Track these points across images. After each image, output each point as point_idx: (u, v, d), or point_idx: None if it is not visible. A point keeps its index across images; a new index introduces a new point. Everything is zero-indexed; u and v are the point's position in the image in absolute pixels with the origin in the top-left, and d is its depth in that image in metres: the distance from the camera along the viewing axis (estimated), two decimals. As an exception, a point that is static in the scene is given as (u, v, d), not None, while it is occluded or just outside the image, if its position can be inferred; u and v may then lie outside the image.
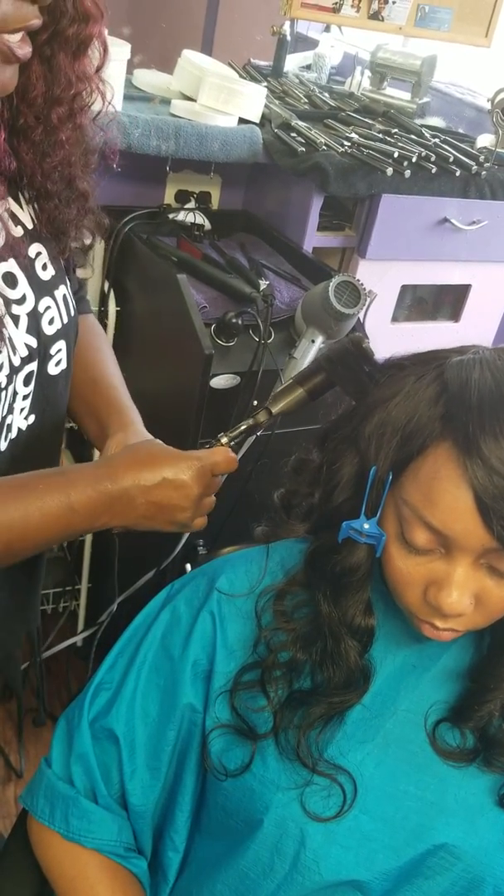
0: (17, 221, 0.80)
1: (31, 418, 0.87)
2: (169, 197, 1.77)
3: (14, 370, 0.78)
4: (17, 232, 0.80)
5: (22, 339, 0.79)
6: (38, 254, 0.82)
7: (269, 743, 0.76)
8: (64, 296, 0.86)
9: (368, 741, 0.76)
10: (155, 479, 0.76)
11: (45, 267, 0.83)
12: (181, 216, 1.73)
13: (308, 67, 2.40)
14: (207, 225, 1.75)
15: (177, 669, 0.81)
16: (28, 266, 0.80)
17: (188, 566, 1.63)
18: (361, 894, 0.74)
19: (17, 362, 0.78)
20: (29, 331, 0.80)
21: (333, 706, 0.75)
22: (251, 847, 0.76)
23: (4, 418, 0.80)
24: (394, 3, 1.88)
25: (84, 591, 1.96)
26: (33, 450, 0.89)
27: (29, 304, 0.80)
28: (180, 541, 1.54)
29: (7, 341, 0.76)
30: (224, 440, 0.83)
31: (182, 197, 1.78)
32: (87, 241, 0.91)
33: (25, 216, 0.81)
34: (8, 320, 0.76)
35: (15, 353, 0.77)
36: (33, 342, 0.81)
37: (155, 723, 0.81)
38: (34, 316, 0.81)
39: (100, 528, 0.78)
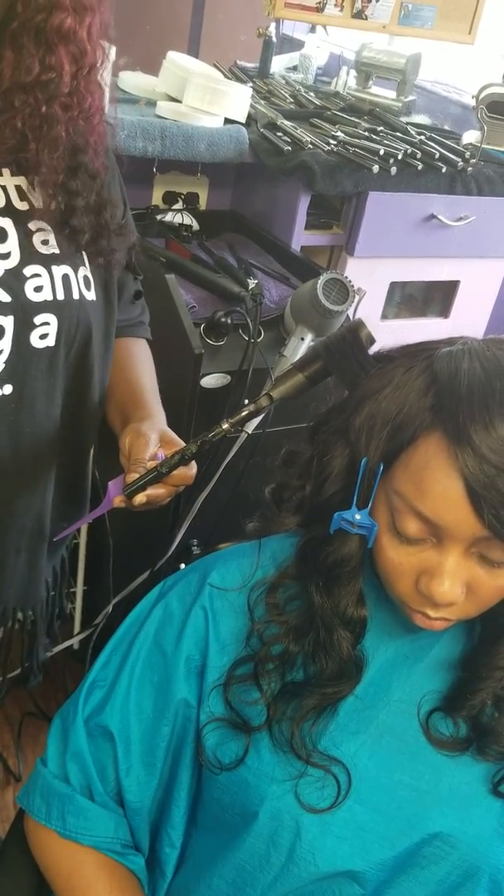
0: (23, 197, 0.85)
1: (7, 388, 0.87)
2: (156, 198, 1.77)
3: None
4: (22, 206, 0.85)
5: None
6: (41, 229, 0.86)
7: (264, 735, 0.76)
8: (65, 276, 0.88)
9: (362, 732, 0.76)
10: None
11: (45, 242, 0.87)
12: (169, 217, 1.73)
13: (294, 68, 2.41)
14: (195, 225, 1.75)
15: (170, 665, 0.81)
16: (25, 233, 0.85)
17: (182, 566, 1.63)
18: (357, 885, 0.75)
19: None
20: (3, 284, 0.83)
21: (326, 697, 0.75)
22: (247, 840, 0.76)
23: None
24: (377, 1, 1.89)
25: (79, 594, 1.95)
26: (10, 426, 0.90)
27: (11, 261, 0.84)
28: (174, 541, 1.55)
29: None
30: (226, 425, 0.84)
31: (170, 198, 1.79)
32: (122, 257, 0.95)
33: (37, 198, 0.85)
34: None
35: None
36: (5, 297, 0.83)
37: (149, 719, 0.81)
38: (15, 275, 0.84)
39: None
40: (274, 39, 2.17)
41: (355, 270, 1.76)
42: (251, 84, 2.00)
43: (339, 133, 1.74)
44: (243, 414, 0.83)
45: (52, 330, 0.88)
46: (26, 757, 1.80)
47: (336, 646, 0.74)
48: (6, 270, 0.83)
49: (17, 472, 0.93)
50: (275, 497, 0.85)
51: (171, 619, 0.83)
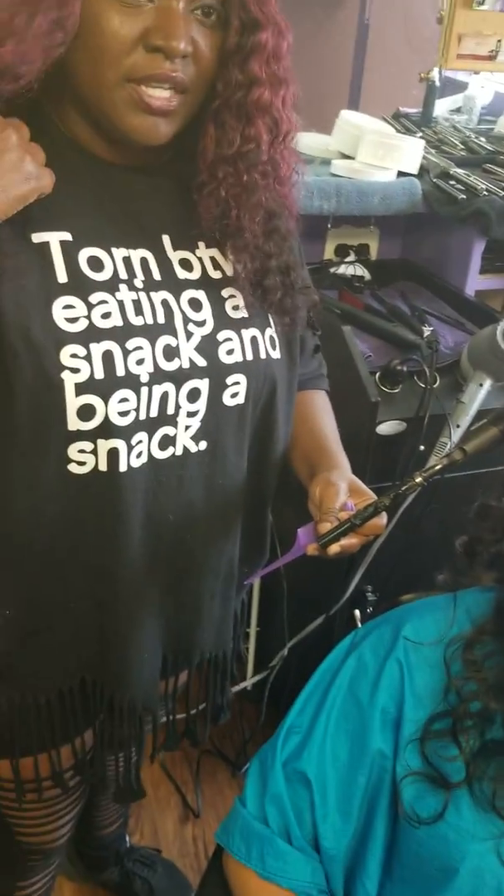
0: (216, 266, 0.92)
1: (203, 444, 0.93)
2: (329, 252, 1.83)
3: (166, 375, 0.87)
4: (216, 275, 0.91)
5: (188, 352, 0.88)
6: (232, 296, 0.92)
7: (463, 792, 0.76)
8: (253, 338, 0.93)
9: None
10: None
11: (236, 308, 0.93)
12: (342, 269, 1.78)
13: (458, 110, 2.42)
14: (367, 276, 1.79)
15: (365, 716, 0.82)
16: (217, 301, 0.91)
17: (356, 612, 1.64)
18: None
19: (169, 367, 0.87)
20: (199, 350, 0.89)
21: (530, 758, 0.74)
22: (446, 895, 0.76)
23: (156, 422, 0.88)
24: (550, 43, 1.87)
25: (253, 635, 2.00)
26: (205, 479, 0.95)
27: (207, 328, 0.90)
28: (349, 587, 1.56)
29: (156, 345, 0.86)
30: (419, 479, 0.85)
31: (341, 250, 1.84)
32: (301, 313, 0.99)
33: (229, 266, 0.92)
34: (182, 334, 0.87)
35: (171, 360, 0.87)
36: (201, 361, 0.89)
37: (345, 767, 0.83)
38: (210, 340, 0.90)
39: None
40: (437, 84, 2.19)
41: (532, 313, 1.73)
42: (420, 133, 2.03)
43: (512, 177, 1.73)
44: (437, 467, 0.84)
45: (242, 389, 0.93)
46: (204, 793, 1.86)
47: (539, 706, 0.73)
48: (202, 337, 0.89)
49: (211, 521, 0.99)
50: (467, 550, 0.86)
51: (366, 671, 0.84)
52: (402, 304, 1.68)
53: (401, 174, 1.68)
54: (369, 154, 1.65)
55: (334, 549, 0.89)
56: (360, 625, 1.62)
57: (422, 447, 1.50)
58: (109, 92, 0.77)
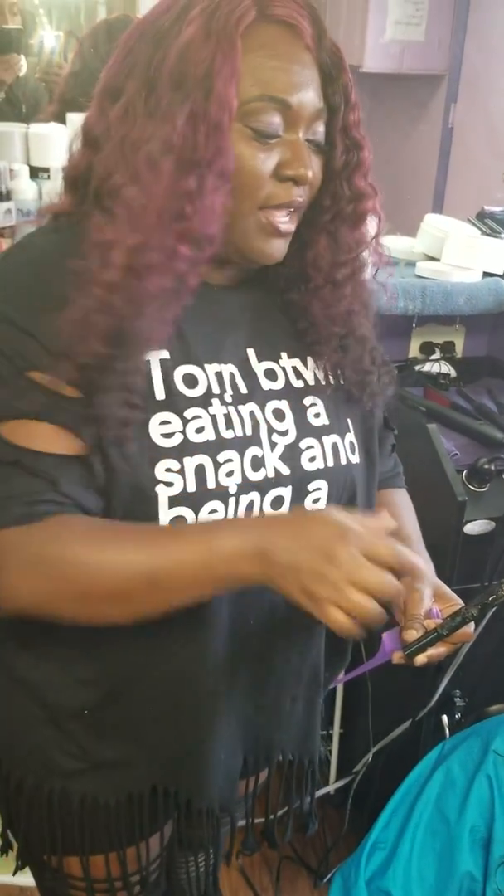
0: (298, 375, 0.95)
1: None
2: (413, 350, 1.85)
3: (252, 485, 0.88)
4: (298, 384, 0.94)
5: (273, 462, 0.90)
6: (313, 404, 0.95)
7: None
8: (334, 444, 0.95)
9: None
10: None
11: (317, 416, 0.95)
12: (427, 367, 1.80)
13: (543, 208, 2.45)
14: (453, 373, 1.80)
15: (454, 834, 0.79)
16: (300, 410, 0.93)
17: (444, 717, 1.58)
18: None
19: (255, 477, 0.88)
20: (283, 458, 0.91)
21: None
22: None
23: None
24: None
25: (336, 738, 1.95)
26: None
27: (289, 437, 0.92)
28: (436, 691, 1.51)
29: (245, 456, 0.88)
30: None
31: (426, 348, 1.86)
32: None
33: (310, 374, 0.95)
34: (266, 445, 0.90)
35: (258, 470, 0.89)
36: (285, 470, 0.91)
37: (432, 889, 0.79)
38: (293, 448, 0.92)
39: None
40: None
41: None
42: (504, 234, 2.06)
43: None
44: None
45: (323, 494, 0.94)
46: (283, 902, 1.78)
47: None
48: (286, 446, 0.91)
49: (294, 625, 0.99)
50: None
51: (454, 786, 0.81)
52: (489, 402, 1.68)
53: (486, 274, 1.71)
54: (454, 255, 1.68)
55: (421, 659, 0.87)
56: (447, 732, 1.56)
57: (511, 547, 1.47)
58: (244, 220, 0.84)
